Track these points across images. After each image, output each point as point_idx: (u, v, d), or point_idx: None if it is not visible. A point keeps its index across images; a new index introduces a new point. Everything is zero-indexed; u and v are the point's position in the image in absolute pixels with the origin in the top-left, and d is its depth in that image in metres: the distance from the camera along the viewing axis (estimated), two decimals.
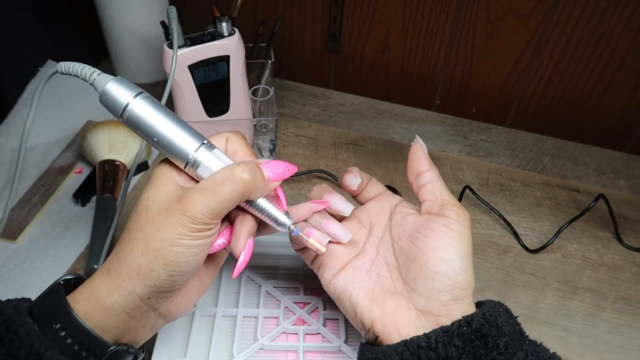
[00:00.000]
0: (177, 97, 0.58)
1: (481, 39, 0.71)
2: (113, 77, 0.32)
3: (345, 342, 0.42)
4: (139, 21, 0.72)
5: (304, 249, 0.40)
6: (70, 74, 0.34)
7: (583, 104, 0.72)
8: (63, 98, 0.71)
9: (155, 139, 0.32)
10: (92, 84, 0.32)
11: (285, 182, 0.64)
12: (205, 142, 0.33)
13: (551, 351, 0.34)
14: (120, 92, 0.31)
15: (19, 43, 0.69)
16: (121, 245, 0.32)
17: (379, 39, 0.76)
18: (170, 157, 0.33)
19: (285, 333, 0.43)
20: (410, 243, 0.37)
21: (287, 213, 0.36)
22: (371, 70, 0.80)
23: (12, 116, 0.67)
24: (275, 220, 0.35)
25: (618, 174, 0.68)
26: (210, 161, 0.33)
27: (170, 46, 0.54)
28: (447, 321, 0.33)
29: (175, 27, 0.53)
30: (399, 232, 0.38)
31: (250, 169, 0.32)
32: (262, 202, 0.34)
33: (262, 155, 0.65)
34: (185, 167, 0.33)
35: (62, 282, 0.34)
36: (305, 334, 0.43)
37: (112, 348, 0.31)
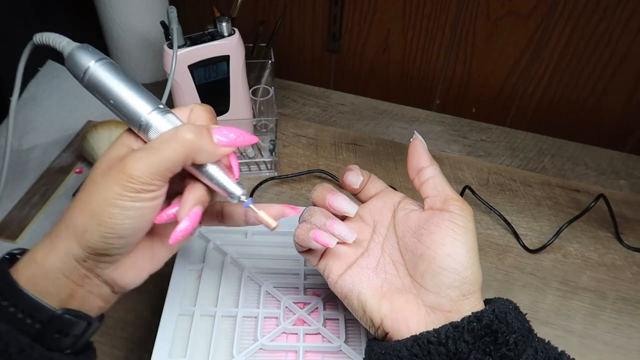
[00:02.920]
0: (177, 97, 0.58)
1: (481, 39, 0.71)
2: (79, 44, 0.33)
3: (345, 342, 0.42)
4: (139, 21, 0.72)
5: (309, 250, 0.39)
6: (45, 44, 0.35)
7: (583, 104, 0.73)
8: (63, 98, 0.71)
9: (112, 102, 0.33)
10: (61, 51, 0.34)
11: (285, 182, 0.64)
12: (161, 106, 0.33)
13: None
14: (83, 57, 0.33)
15: (19, 43, 0.69)
16: (67, 209, 0.32)
17: (379, 39, 0.76)
18: (125, 121, 0.33)
19: (285, 333, 0.43)
20: (415, 239, 0.37)
21: (238, 182, 0.34)
22: (371, 70, 0.80)
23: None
24: (225, 189, 0.34)
25: (618, 174, 0.68)
26: (162, 124, 0.32)
27: (170, 46, 0.54)
28: (456, 317, 0.33)
29: (175, 27, 0.53)
30: (404, 228, 0.38)
31: (195, 129, 0.31)
32: (212, 169, 0.33)
33: (262, 156, 0.65)
34: (139, 131, 0.33)
35: (7, 257, 0.33)
36: (305, 334, 0.43)
37: (56, 312, 0.30)
